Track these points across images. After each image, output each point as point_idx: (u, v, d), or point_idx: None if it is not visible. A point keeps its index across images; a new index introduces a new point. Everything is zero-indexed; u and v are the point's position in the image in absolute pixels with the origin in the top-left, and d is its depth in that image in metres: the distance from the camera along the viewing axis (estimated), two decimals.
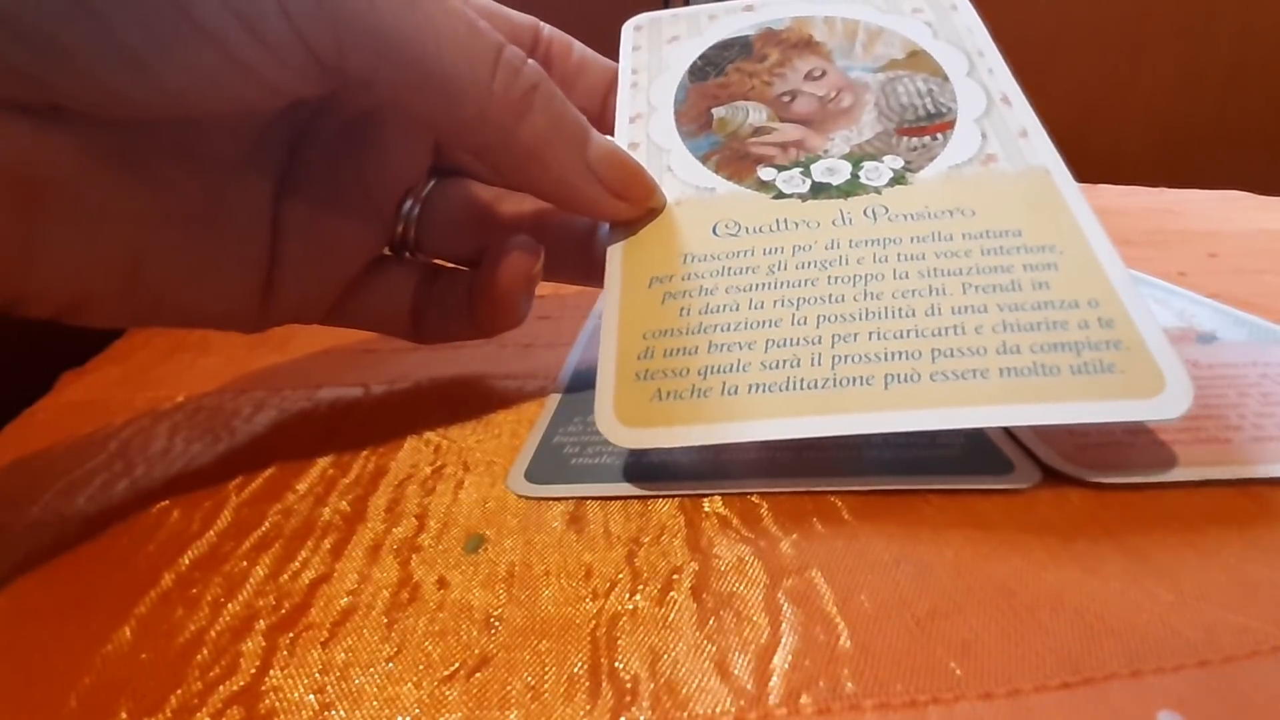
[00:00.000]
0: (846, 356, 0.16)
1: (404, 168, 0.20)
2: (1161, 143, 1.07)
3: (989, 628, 0.12)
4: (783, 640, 0.12)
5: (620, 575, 0.14)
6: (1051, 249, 0.17)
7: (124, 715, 0.11)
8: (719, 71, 0.23)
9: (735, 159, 0.21)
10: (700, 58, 0.23)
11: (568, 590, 0.14)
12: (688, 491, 0.16)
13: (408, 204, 0.20)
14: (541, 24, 0.22)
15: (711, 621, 0.13)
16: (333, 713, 0.11)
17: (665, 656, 0.12)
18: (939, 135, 0.20)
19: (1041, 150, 0.19)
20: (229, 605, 0.14)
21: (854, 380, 0.16)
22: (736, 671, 0.12)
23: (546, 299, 0.32)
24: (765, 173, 0.20)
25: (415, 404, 0.22)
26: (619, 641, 0.12)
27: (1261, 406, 0.19)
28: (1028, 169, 0.19)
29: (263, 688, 0.12)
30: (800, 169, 0.20)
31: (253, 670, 0.12)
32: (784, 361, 0.16)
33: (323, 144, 0.19)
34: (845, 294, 0.17)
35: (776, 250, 0.18)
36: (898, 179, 0.19)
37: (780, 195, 0.19)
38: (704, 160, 0.21)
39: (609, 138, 0.19)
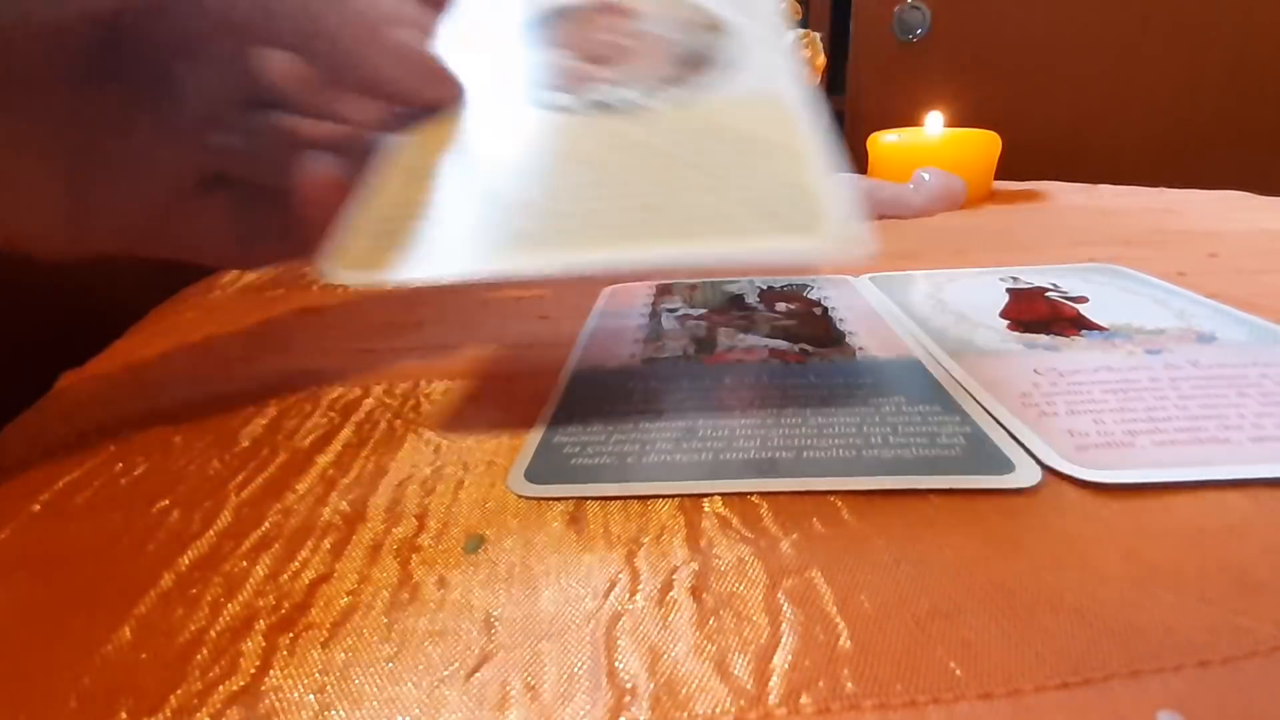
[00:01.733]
0: (565, 214, 0.18)
1: (214, 97, 0.21)
2: (1161, 143, 1.07)
3: (989, 628, 0.12)
4: (783, 640, 0.12)
5: (620, 575, 0.14)
6: (777, 150, 0.19)
7: (124, 715, 0.11)
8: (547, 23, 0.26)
9: (539, 84, 0.23)
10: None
11: (568, 590, 0.14)
12: (688, 491, 0.16)
13: (219, 133, 0.21)
14: None
15: (711, 621, 0.13)
16: (333, 713, 0.11)
17: (665, 656, 0.12)
18: (711, 75, 0.23)
19: (790, 84, 0.22)
20: (229, 605, 0.14)
21: (562, 231, 0.18)
22: (736, 671, 0.12)
23: (546, 299, 0.32)
24: (555, 97, 0.22)
25: (415, 403, 0.22)
26: (619, 641, 0.12)
27: (1261, 406, 0.19)
28: (778, 96, 0.22)
29: (263, 688, 0.12)
30: (588, 96, 0.22)
31: (253, 670, 0.12)
32: (503, 219, 0.18)
33: (131, 73, 0.20)
34: (583, 179, 0.19)
35: (534, 148, 0.20)
36: (668, 106, 0.22)
37: (561, 109, 0.22)
38: (511, 83, 0.23)
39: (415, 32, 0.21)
